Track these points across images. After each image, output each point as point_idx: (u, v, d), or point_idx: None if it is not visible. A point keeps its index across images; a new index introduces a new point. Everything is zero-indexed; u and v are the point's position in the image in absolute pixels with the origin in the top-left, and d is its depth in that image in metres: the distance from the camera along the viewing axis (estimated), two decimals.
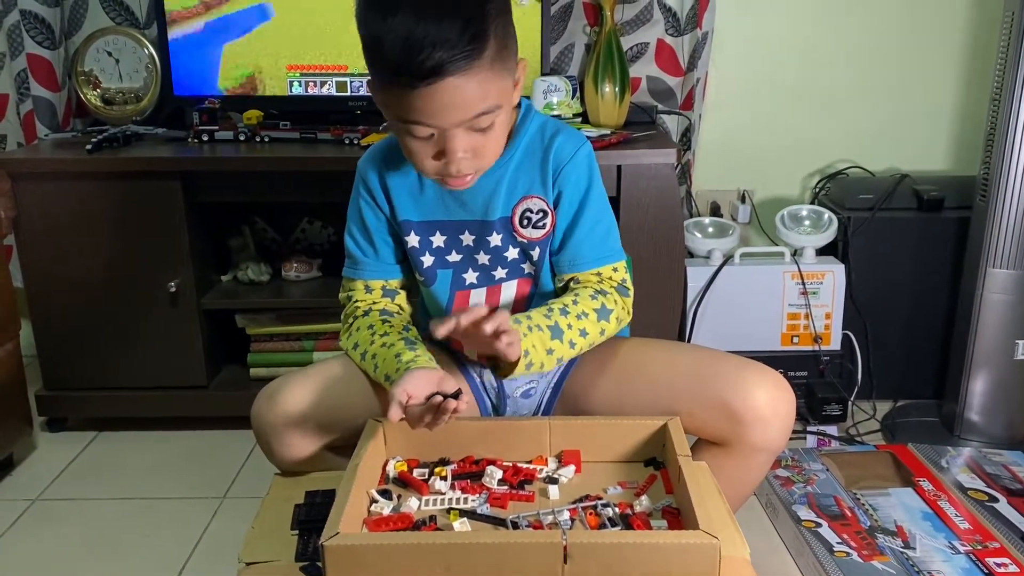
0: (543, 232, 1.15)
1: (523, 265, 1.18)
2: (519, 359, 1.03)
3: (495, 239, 1.15)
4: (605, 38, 1.97)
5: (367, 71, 1.01)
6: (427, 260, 1.18)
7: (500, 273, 1.18)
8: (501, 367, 1.07)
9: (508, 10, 1.02)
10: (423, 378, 1.00)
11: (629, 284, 1.18)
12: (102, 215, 1.84)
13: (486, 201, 1.14)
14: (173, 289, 1.87)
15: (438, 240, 1.17)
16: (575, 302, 1.11)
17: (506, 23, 1.01)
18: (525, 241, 1.16)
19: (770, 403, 1.07)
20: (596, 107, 1.98)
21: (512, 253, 1.17)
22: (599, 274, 1.16)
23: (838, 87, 2.20)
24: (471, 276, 1.18)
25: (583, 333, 1.10)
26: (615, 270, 1.17)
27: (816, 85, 2.20)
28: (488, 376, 1.23)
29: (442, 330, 0.98)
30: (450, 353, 1.25)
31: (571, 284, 1.17)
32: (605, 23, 1.98)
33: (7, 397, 1.78)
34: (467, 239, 1.16)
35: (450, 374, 1.21)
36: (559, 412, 1.22)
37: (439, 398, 0.97)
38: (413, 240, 1.17)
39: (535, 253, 1.16)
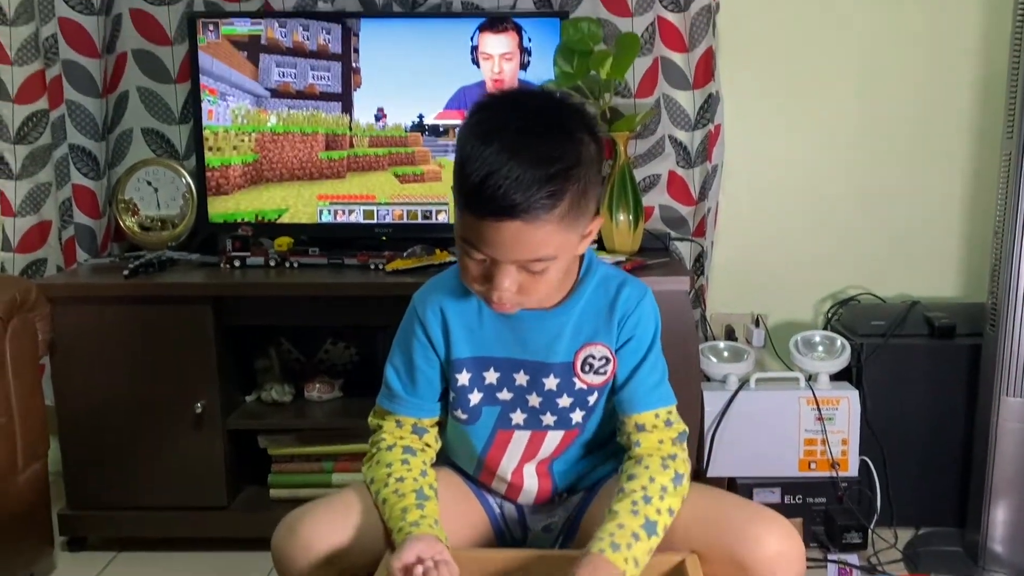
0: (603, 379, 1.16)
1: (572, 415, 1.18)
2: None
3: (550, 382, 1.16)
4: (619, 170, 2.06)
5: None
6: (475, 397, 1.18)
7: (548, 420, 1.18)
8: None
9: (597, 172, 1.06)
10: (420, 549, 1.02)
11: (684, 427, 1.18)
12: (135, 337, 1.90)
13: (548, 343, 1.15)
14: (199, 410, 1.90)
15: (491, 377, 1.17)
16: (652, 479, 1.10)
17: (588, 185, 1.04)
18: (585, 387, 1.16)
19: (779, 557, 1.07)
20: (611, 235, 2.05)
21: (565, 401, 1.17)
22: (657, 415, 1.15)
23: (847, 216, 2.26)
24: (518, 417, 1.18)
25: (671, 512, 1.10)
26: (670, 412, 1.17)
27: (825, 214, 2.27)
28: (508, 508, 1.24)
29: None
30: (470, 481, 1.26)
31: (633, 439, 1.15)
32: (619, 156, 2.07)
33: (31, 517, 1.80)
34: (520, 379, 1.17)
35: (469, 506, 1.23)
36: (576, 548, 1.22)
37: (420, 569, 0.99)
38: (464, 379, 1.17)
39: (592, 399, 1.17)
